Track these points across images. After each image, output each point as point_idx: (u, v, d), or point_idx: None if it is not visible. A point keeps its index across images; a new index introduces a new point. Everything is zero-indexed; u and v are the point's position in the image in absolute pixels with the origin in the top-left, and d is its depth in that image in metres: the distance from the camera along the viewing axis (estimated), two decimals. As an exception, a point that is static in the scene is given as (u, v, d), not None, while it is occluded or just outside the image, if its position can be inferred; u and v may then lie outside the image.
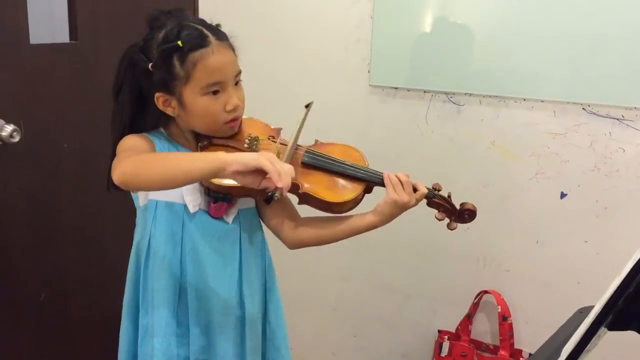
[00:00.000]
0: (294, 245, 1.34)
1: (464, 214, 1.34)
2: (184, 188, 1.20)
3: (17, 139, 1.57)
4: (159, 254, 1.24)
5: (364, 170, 1.28)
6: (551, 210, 1.78)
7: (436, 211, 1.34)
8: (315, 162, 1.27)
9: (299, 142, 1.29)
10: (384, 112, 1.94)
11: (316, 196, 1.24)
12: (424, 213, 1.92)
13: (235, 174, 1.02)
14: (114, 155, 1.22)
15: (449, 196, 1.35)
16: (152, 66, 1.16)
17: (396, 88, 1.91)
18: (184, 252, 1.24)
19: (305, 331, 2.20)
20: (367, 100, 1.95)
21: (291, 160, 1.23)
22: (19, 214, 1.67)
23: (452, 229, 1.35)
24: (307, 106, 1.27)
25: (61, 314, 1.81)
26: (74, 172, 1.78)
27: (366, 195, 1.31)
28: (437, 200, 1.33)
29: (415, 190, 1.27)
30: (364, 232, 1.29)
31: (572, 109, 1.71)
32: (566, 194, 1.76)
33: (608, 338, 0.80)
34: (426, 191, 1.28)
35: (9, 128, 1.55)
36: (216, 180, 1.18)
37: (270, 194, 1.07)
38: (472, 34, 1.80)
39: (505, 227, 1.85)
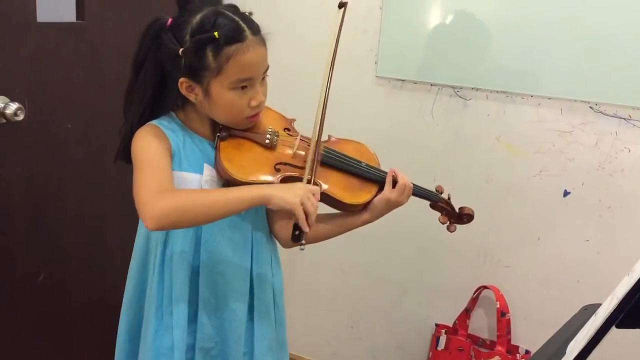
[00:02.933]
0: (288, 242, 1.31)
1: (462, 218, 1.40)
2: (202, 180, 1.19)
3: (21, 117, 1.56)
4: (177, 249, 1.23)
5: (378, 172, 1.30)
6: (553, 207, 1.78)
7: (439, 214, 1.40)
8: (333, 162, 1.27)
9: (296, 125, 1.30)
10: (390, 104, 1.93)
11: (334, 197, 1.24)
12: (424, 207, 1.93)
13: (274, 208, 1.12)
14: (126, 133, 1.21)
15: (449, 198, 1.40)
16: (182, 52, 1.12)
17: (403, 80, 1.90)
18: (200, 243, 1.23)
19: (302, 320, 2.20)
20: (373, 91, 1.94)
21: (304, 146, 1.24)
22: (20, 193, 1.66)
23: (451, 231, 1.41)
24: (342, 5, 1.26)
25: (60, 295, 1.81)
26: (76, 152, 1.77)
27: None
28: (441, 205, 1.38)
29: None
30: (356, 228, 1.32)
31: (579, 107, 1.70)
32: (569, 192, 1.76)
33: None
34: (412, 187, 1.31)
35: (14, 106, 1.54)
36: (237, 176, 1.17)
37: (297, 233, 1.14)
38: (481, 29, 1.79)
39: (507, 223, 1.85)
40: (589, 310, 0.87)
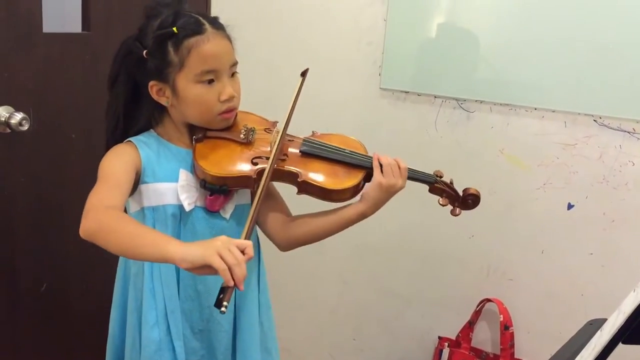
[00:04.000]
0: (286, 244, 1.31)
1: (467, 200, 1.32)
2: (178, 186, 1.19)
3: (25, 127, 1.56)
4: (156, 266, 1.22)
5: (362, 157, 1.27)
6: (557, 221, 1.78)
7: (439, 197, 1.33)
8: (313, 150, 1.26)
9: (295, 133, 1.29)
10: (394, 116, 1.93)
11: (316, 184, 1.22)
12: (428, 218, 1.92)
13: (188, 269, 0.96)
14: (107, 146, 1.23)
15: (451, 182, 1.34)
16: (146, 53, 1.16)
17: (407, 92, 1.90)
18: None
19: (304, 332, 2.19)
20: (377, 103, 1.94)
21: (285, 141, 1.23)
22: (24, 202, 1.66)
23: (455, 215, 1.33)
24: (303, 74, 1.27)
25: (62, 304, 1.81)
26: (81, 162, 1.77)
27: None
28: (439, 186, 1.32)
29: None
30: (356, 222, 1.27)
31: (583, 120, 1.70)
32: (573, 205, 1.76)
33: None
34: (406, 167, 1.25)
35: (18, 116, 1.55)
36: (212, 172, 1.17)
37: (221, 296, 0.94)
38: (485, 42, 1.79)
39: (511, 236, 1.85)
40: (595, 325, 0.86)
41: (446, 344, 1.94)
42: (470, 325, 1.91)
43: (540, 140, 1.76)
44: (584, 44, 1.66)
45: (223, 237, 0.97)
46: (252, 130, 1.24)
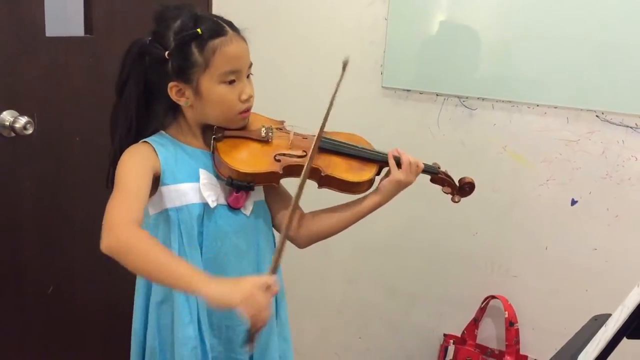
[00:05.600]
0: (305, 240, 1.35)
1: (464, 187, 1.44)
2: (200, 185, 1.21)
3: (30, 131, 1.57)
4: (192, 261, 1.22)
5: (374, 153, 1.35)
6: (561, 217, 1.78)
7: (441, 187, 1.44)
8: (331, 147, 1.31)
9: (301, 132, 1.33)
10: (396, 114, 1.94)
11: (338, 177, 1.28)
12: (432, 216, 1.93)
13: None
14: (114, 156, 1.21)
15: (446, 172, 1.45)
16: (168, 54, 1.16)
17: (409, 90, 1.91)
18: (203, 253, 1.23)
19: (310, 331, 2.20)
20: (379, 101, 1.95)
21: (307, 147, 1.27)
22: (30, 206, 1.67)
23: (456, 202, 1.44)
24: (344, 66, 1.30)
25: (69, 307, 1.81)
26: (85, 165, 1.78)
27: None
28: (440, 177, 1.43)
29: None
30: (369, 212, 1.33)
31: (586, 116, 1.70)
32: (577, 201, 1.76)
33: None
34: (423, 166, 1.35)
35: (23, 120, 1.56)
36: (241, 169, 1.20)
37: (248, 337, 1.07)
38: (487, 39, 1.79)
39: (515, 233, 1.85)
40: (599, 320, 0.87)
41: (451, 341, 1.95)
42: (475, 322, 1.91)
43: (543, 137, 1.76)
44: (585, 39, 1.66)
45: (252, 280, 1.01)
46: (271, 129, 1.29)
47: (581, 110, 1.70)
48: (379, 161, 1.34)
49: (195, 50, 1.16)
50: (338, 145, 1.32)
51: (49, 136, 1.66)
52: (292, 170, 1.25)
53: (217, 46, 1.16)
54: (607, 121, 1.68)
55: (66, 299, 1.80)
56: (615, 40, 1.63)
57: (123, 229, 1.06)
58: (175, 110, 1.25)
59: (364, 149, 1.34)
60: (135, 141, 1.23)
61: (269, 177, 1.25)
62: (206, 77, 1.17)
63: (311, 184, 1.29)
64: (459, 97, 1.84)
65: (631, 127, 1.66)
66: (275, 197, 1.34)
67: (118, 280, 1.92)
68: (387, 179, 1.32)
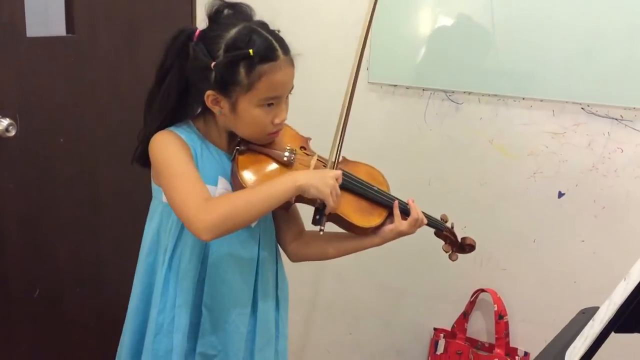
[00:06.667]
0: (296, 258, 1.38)
1: (465, 247, 1.44)
2: (217, 192, 1.20)
3: (12, 133, 1.55)
4: (186, 256, 1.23)
5: (388, 197, 1.31)
6: (548, 209, 1.78)
7: (443, 242, 1.44)
8: (348, 184, 1.27)
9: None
10: (383, 110, 1.93)
11: (346, 219, 1.25)
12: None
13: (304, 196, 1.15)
14: (144, 137, 1.21)
15: (452, 227, 1.43)
16: (214, 65, 1.13)
17: (395, 85, 1.90)
18: (207, 255, 1.24)
19: (300, 328, 2.20)
20: (365, 97, 1.94)
21: (319, 165, 1.26)
22: (14, 209, 1.65)
23: (453, 260, 1.47)
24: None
25: (55, 311, 1.80)
26: (70, 167, 1.77)
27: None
28: (445, 233, 1.42)
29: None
30: (364, 249, 1.35)
31: (571, 109, 1.71)
32: (564, 194, 1.76)
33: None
34: (426, 221, 1.34)
35: (5, 122, 1.54)
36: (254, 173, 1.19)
37: (319, 217, 1.20)
38: (472, 33, 1.79)
39: (503, 226, 1.85)
40: (587, 314, 0.87)
41: (442, 335, 1.95)
42: (465, 315, 1.92)
43: (529, 130, 1.77)
44: (570, 32, 1.66)
45: (332, 174, 1.17)
46: (294, 151, 1.25)
47: (566, 102, 1.71)
48: (390, 206, 1.30)
49: (242, 70, 1.13)
50: (354, 185, 1.28)
51: (32, 138, 1.64)
52: (304, 200, 1.21)
53: (264, 72, 1.13)
54: (593, 113, 1.69)
55: (52, 303, 1.79)
56: (599, 32, 1.63)
57: (208, 208, 1.09)
58: (205, 107, 1.22)
59: (379, 192, 1.30)
60: (166, 127, 1.22)
61: (280, 204, 1.20)
62: (246, 98, 1.15)
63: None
64: (445, 91, 1.84)
65: (616, 119, 1.67)
66: (283, 214, 1.33)
67: (104, 283, 1.92)
68: (390, 227, 1.30)
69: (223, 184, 1.22)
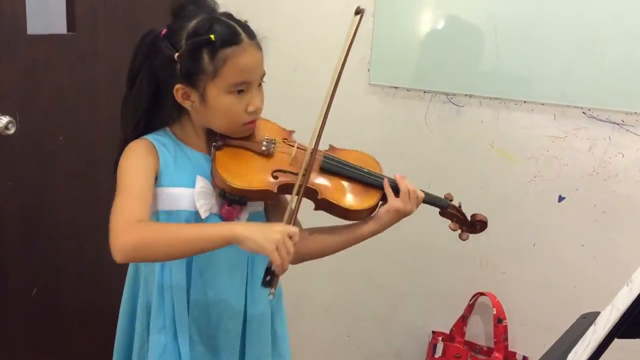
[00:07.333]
0: (296, 258, 1.26)
1: (475, 225, 1.35)
2: (195, 192, 1.17)
3: (12, 130, 1.55)
4: (166, 269, 1.20)
5: (380, 178, 1.26)
6: (549, 213, 1.78)
7: (449, 221, 1.35)
8: (333, 167, 1.24)
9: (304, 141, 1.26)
10: (383, 112, 1.93)
11: (335, 203, 1.21)
12: (421, 214, 1.92)
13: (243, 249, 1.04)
14: (121, 144, 1.19)
15: (460, 206, 1.35)
16: (178, 56, 1.12)
17: (396, 87, 1.90)
18: (193, 263, 1.20)
19: (298, 330, 2.18)
20: (366, 99, 1.94)
21: (304, 155, 1.21)
22: (13, 207, 1.65)
23: (464, 240, 1.36)
24: (359, 13, 1.24)
25: (54, 308, 1.79)
26: (69, 164, 1.76)
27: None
28: (450, 211, 1.33)
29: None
30: (365, 239, 1.29)
31: (572, 113, 1.71)
32: (564, 198, 1.76)
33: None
34: (423, 195, 1.27)
35: (5, 120, 1.54)
36: (233, 184, 1.15)
37: (269, 279, 1.07)
38: (474, 36, 1.79)
39: (503, 229, 1.84)
40: (588, 319, 0.86)
41: (440, 338, 1.94)
42: (463, 319, 1.91)
43: (530, 133, 1.76)
44: (572, 36, 1.66)
45: (279, 228, 1.05)
46: (273, 141, 1.22)
47: (568, 107, 1.70)
48: (383, 187, 1.25)
49: (205, 57, 1.11)
50: (341, 167, 1.24)
51: (32, 136, 1.64)
52: (288, 189, 1.18)
53: (228, 56, 1.11)
54: (594, 118, 1.69)
55: (51, 300, 1.78)
56: (601, 37, 1.63)
57: (132, 229, 1.05)
58: (180, 109, 1.20)
59: (369, 173, 1.25)
60: (142, 134, 1.20)
61: (262, 194, 1.19)
62: (214, 85, 1.13)
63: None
64: (446, 94, 1.84)
65: (617, 124, 1.66)
66: (274, 210, 1.28)
67: (103, 281, 1.91)
68: (384, 207, 1.25)
69: (202, 182, 1.18)
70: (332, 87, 1.23)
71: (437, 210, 1.35)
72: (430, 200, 1.31)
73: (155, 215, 1.18)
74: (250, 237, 1.02)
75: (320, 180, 1.22)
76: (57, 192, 1.75)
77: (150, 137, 1.19)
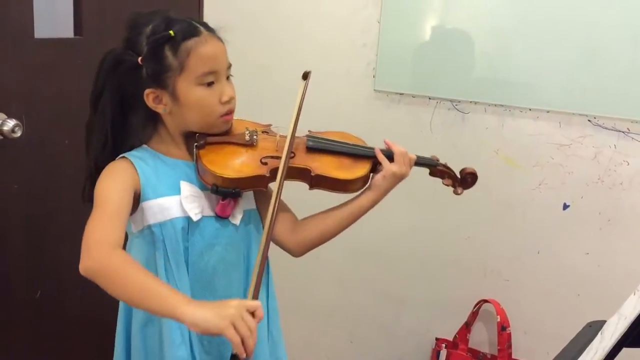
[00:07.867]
0: (299, 248, 1.30)
1: (467, 178, 1.38)
2: (181, 198, 1.17)
3: (18, 134, 1.55)
4: (171, 278, 1.18)
5: (367, 148, 1.30)
6: (553, 221, 1.78)
7: (441, 179, 1.39)
8: (319, 145, 1.27)
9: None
10: (388, 118, 1.93)
11: (329, 176, 1.24)
12: (424, 220, 1.92)
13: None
14: (90, 170, 1.19)
15: (446, 164, 1.40)
16: (142, 59, 1.13)
17: (401, 94, 1.90)
18: (190, 269, 1.19)
19: (301, 335, 2.18)
20: (371, 105, 1.94)
21: (294, 147, 1.23)
22: (18, 210, 1.65)
23: (458, 194, 1.39)
24: (306, 77, 1.26)
25: (57, 312, 1.79)
26: (74, 168, 1.75)
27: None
28: (440, 169, 1.38)
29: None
30: (366, 211, 1.29)
31: (578, 120, 1.71)
32: (569, 205, 1.76)
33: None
34: (415, 157, 1.31)
35: (11, 123, 1.54)
36: (225, 174, 1.16)
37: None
38: (479, 42, 1.79)
39: (507, 237, 1.85)
40: (594, 327, 0.86)
41: (443, 345, 1.94)
42: (467, 326, 1.91)
43: (535, 141, 1.76)
44: (578, 44, 1.66)
45: (235, 303, 0.96)
46: (255, 132, 1.24)
47: (573, 114, 1.70)
48: (372, 157, 1.29)
49: (168, 54, 1.12)
50: (326, 143, 1.28)
51: (38, 139, 1.64)
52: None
53: (191, 47, 1.13)
54: (599, 126, 1.69)
55: (54, 304, 1.78)
56: (607, 44, 1.63)
57: (102, 251, 1.04)
58: (155, 120, 1.21)
59: (355, 145, 1.30)
60: (113, 156, 1.19)
61: (255, 181, 1.20)
62: (182, 80, 1.13)
63: (303, 188, 1.27)
64: (451, 100, 1.84)
65: (623, 132, 1.66)
66: (267, 205, 1.27)
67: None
68: (380, 173, 1.27)
69: (187, 186, 1.18)
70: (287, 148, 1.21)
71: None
72: (420, 161, 1.35)
73: (148, 229, 1.17)
74: (195, 321, 0.93)
75: (309, 159, 1.25)
76: (62, 196, 1.75)
77: (126, 154, 1.19)
